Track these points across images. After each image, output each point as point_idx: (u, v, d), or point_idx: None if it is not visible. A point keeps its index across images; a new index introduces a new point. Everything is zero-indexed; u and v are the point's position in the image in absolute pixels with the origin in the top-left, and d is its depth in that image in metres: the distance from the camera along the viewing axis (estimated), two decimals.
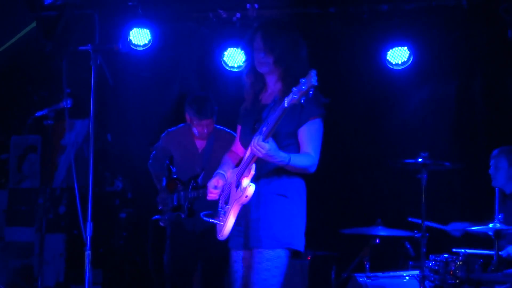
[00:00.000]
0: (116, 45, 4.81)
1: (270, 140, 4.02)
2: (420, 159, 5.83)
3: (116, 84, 8.17)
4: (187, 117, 6.35)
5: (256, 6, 7.59)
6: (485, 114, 7.78)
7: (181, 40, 8.16)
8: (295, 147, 4.25)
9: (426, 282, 5.86)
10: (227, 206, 4.28)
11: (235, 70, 7.92)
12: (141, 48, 7.81)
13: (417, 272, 5.89)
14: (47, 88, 8.40)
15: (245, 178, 4.13)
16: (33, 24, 8.04)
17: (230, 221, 4.20)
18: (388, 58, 7.68)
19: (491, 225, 5.83)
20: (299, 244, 4.25)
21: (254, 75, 4.42)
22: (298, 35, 4.37)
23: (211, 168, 6.16)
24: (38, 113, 6.30)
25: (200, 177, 6.19)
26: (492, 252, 5.91)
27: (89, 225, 4.51)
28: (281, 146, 4.11)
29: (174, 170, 6.47)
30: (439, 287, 5.96)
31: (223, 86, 7.70)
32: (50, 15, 7.87)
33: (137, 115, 8.36)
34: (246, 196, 4.10)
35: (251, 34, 4.39)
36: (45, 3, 7.64)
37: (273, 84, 4.37)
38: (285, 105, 3.89)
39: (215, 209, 6.21)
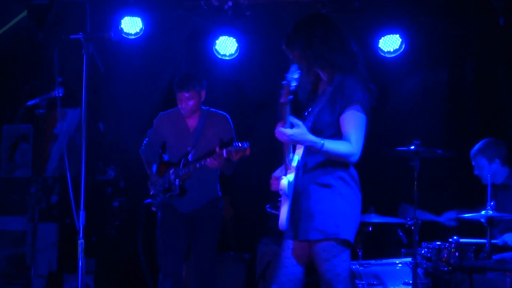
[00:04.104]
0: (107, 34, 4.82)
1: (298, 123, 4.04)
2: (412, 147, 5.83)
3: (108, 73, 8.14)
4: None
5: None
6: (477, 101, 7.79)
7: (173, 28, 8.14)
8: (340, 138, 4.21)
9: (419, 269, 5.87)
10: (280, 199, 4.26)
11: (227, 58, 7.92)
12: (133, 37, 7.80)
13: (409, 259, 5.89)
14: (39, 77, 8.36)
15: (288, 173, 4.14)
16: (24, 13, 8.01)
17: (283, 212, 4.17)
18: (380, 46, 7.69)
19: (483, 212, 5.84)
20: (347, 233, 4.19)
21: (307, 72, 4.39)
22: (321, 25, 4.33)
23: (201, 146, 6.20)
24: (30, 102, 6.27)
25: (190, 155, 6.20)
26: (484, 241, 5.93)
27: (82, 214, 4.51)
28: (325, 137, 4.13)
29: (165, 158, 6.46)
30: (431, 274, 5.98)
31: (215, 74, 7.69)
32: (41, 3, 7.84)
33: (129, 104, 8.35)
34: (280, 189, 4.12)
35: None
36: None
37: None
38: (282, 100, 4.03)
39: (205, 187, 6.25)
